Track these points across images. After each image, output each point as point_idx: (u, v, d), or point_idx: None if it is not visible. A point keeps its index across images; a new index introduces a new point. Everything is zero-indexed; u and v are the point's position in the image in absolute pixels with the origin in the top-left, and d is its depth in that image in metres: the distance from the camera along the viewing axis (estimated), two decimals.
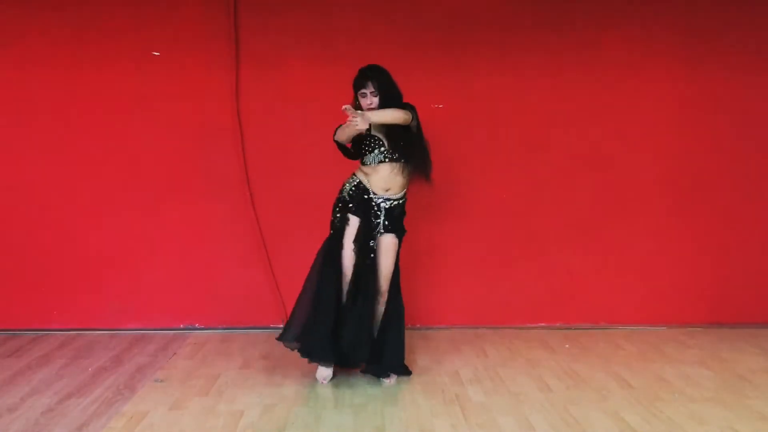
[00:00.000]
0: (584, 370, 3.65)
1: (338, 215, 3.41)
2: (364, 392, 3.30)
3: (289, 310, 4.40)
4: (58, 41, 4.25)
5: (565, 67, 4.42)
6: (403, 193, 3.42)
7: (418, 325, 4.47)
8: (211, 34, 4.29)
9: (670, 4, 4.43)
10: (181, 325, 4.43)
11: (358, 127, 3.06)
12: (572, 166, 4.48)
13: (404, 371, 3.48)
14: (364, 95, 3.28)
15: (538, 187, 4.49)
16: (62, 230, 4.35)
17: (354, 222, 3.35)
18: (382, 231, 3.39)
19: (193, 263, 4.41)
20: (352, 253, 3.33)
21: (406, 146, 3.30)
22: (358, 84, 3.30)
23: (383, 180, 3.32)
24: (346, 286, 3.37)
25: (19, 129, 4.30)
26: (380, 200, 3.36)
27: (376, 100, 3.27)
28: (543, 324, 4.54)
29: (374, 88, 3.26)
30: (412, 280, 4.35)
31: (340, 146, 3.43)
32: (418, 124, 3.34)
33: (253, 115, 4.33)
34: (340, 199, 3.42)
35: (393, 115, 3.19)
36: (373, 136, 3.31)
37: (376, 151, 3.29)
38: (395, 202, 3.40)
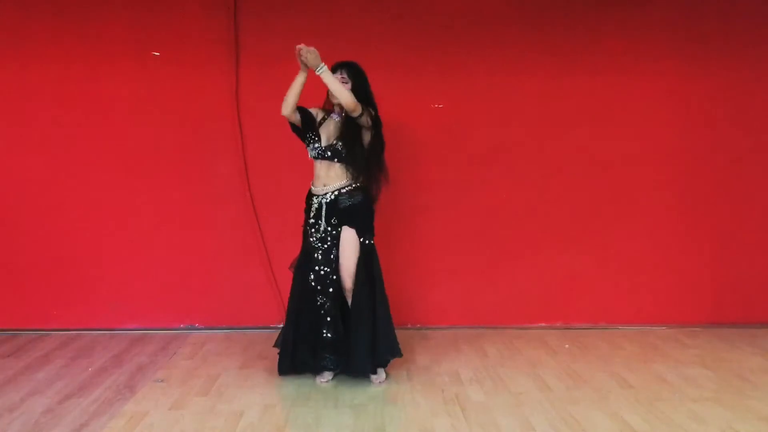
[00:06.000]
0: (584, 370, 3.65)
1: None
2: (364, 392, 3.30)
3: None
4: (59, 41, 4.25)
5: (565, 68, 4.42)
6: (343, 183, 3.37)
7: (418, 325, 4.47)
8: (211, 35, 4.29)
9: (669, 4, 4.43)
10: (181, 325, 4.44)
11: (303, 58, 3.18)
12: (572, 166, 4.48)
13: (373, 366, 3.41)
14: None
15: (539, 186, 4.49)
16: (62, 230, 4.35)
17: (306, 232, 3.48)
18: (330, 227, 3.38)
19: (193, 263, 4.41)
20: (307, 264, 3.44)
21: (345, 147, 3.32)
22: (333, 70, 3.35)
23: (319, 176, 3.41)
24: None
25: (19, 129, 4.30)
26: (320, 197, 3.40)
27: (347, 86, 3.33)
28: (543, 324, 4.54)
29: (346, 75, 3.35)
30: (412, 280, 4.36)
31: (292, 125, 3.46)
32: (377, 130, 3.38)
33: (253, 115, 4.33)
34: None
35: (342, 91, 3.20)
36: (312, 132, 3.41)
37: (311, 146, 3.40)
38: (335, 193, 3.37)
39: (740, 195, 4.56)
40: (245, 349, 4.00)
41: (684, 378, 3.52)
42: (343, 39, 4.28)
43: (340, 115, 3.40)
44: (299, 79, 3.30)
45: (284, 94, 4.25)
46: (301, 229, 3.53)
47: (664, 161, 4.53)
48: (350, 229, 3.37)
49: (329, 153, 3.35)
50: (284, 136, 4.32)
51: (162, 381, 3.45)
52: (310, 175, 4.11)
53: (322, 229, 3.38)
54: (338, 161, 3.35)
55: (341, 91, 3.21)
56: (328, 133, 3.41)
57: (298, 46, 3.21)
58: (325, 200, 3.38)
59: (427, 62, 4.36)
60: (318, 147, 3.38)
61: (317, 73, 3.21)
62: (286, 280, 4.38)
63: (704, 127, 4.52)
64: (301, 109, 3.38)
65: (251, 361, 3.79)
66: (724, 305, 4.59)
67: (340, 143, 3.33)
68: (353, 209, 3.37)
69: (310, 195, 3.47)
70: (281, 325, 4.41)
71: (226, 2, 4.25)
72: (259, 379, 3.49)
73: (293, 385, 3.38)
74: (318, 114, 3.47)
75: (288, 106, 3.32)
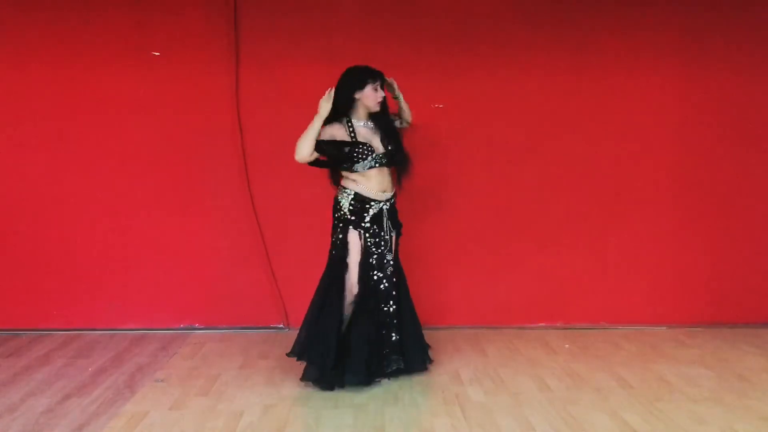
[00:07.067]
0: (584, 370, 3.65)
1: (340, 236, 3.38)
2: (364, 392, 3.30)
3: (289, 309, 4.44)
4: (58, 42, 4.25)
5: (566, 68, 4.41)
6: (394, 190, 3.51)
7: None
8: (211, 35, 4.28)
9: (669, 4, 4.43)
10: (181, 325, 4.43)
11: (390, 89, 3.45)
12: (572, 166, 4.48)
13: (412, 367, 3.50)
14: (377, 89, 3.36)
15: (539, 187, 4.48)
16: (62, 230, 4.35)
17: (354, 238, 3.37)
18: (390, 233, 3.45)
19: (193, 263, 4.41)
20: (357, 271, 3.35)
21: (397, 151, 3.42)
22: (372, 77, 3.34)
23: (377, 183, 3.37)
24: (350, 304, 3.36)
25: (19, 129, 4.30)
26: (382, 203, 3.40)
27: (382, 95, 3.41)
28: (543, 324, 4.54)
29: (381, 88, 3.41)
30: (412, 280, 4.35)
31: (313, 162, 3.36)
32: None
33: (253, 115, 4.33)
34: (339, 218, 3.39)
35: (409, 111, 3.62)
36: (362, 144, 3.31)
37: (369, 158, 3.32)
38: (393, 200, 3.48)
39: (740, 195, 4.55)
40: (245, 349, 4.00)
41: (684, 378, 3.52)
42: (343, 39, 4.28)
43: (366, 120, 3.41)
44: (316, 125, 3.26)
45: (284, 94, 4.30)
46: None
47: (665, 161, 4.52)
48: (396, 234, 3.50)
49: (385, 159, 3.38)
50: (284, 135, 4.32)
51: (162, 381, 3.45)
52: (310, 174, 4.14)
53: (387, 234, 3.42)
54: (390, 165, 3.43)
55: (409, 111, 3.61)
56: (373, 139, 3.39)
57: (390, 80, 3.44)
58: (386, 206, 3.41)
59: (427, 62, 4.35)
60: (376, 156, 3.34)
61: (396, 98, 3.52)
62: (286, 280, 4.40)
63: (704, 127, 4.51)
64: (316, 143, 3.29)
65: (251, 361, 3.79)
66: (724, 305, 4.58)
67: (391, 146, 3.40)
68: (397, 215, 3.52)
69: (364, 199, 3.35)
70: (281, 325, 4.45)
71: (226, 2, 4.25)
72: (259, 379, 3.49)
73: (293, 385, 3.38)
74: (335, 133, 3.34)
75: (304, 153, 3.26)
